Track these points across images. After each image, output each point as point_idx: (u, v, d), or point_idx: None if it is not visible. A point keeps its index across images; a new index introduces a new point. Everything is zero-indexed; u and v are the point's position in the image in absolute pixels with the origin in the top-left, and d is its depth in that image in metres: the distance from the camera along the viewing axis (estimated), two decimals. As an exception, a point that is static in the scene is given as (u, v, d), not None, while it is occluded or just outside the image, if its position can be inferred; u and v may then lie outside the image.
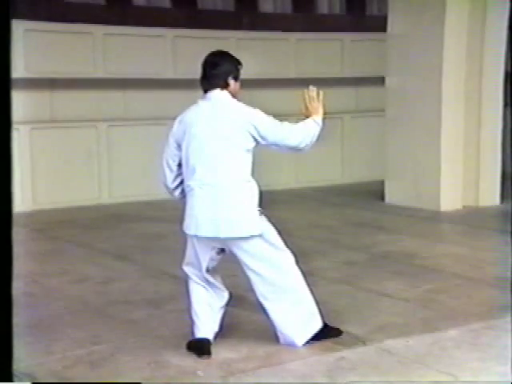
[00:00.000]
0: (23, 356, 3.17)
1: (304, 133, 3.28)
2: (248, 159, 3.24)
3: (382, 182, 7.63)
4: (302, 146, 3.30)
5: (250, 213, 3.21)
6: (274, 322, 3.36)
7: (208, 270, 3.35)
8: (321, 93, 3.37)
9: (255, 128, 3.20)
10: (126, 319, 3.90)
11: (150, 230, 6.15)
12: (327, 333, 3.43)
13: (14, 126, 7.94)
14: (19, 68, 6.99)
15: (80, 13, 7.46)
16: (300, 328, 3.35)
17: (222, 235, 3.19)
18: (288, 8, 8.81)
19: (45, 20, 7.20)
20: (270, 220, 3.33)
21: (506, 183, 7.37)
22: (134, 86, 7.69)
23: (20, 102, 6.54)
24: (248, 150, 3.23)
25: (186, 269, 3.40)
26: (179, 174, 3.36)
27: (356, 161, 9.04)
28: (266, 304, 3.33)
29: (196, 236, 3.26)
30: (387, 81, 7.51)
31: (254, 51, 8.10)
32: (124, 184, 7.76)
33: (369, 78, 8.57)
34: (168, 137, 3.39)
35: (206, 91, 3.30)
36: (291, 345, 3.34)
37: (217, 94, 3.26)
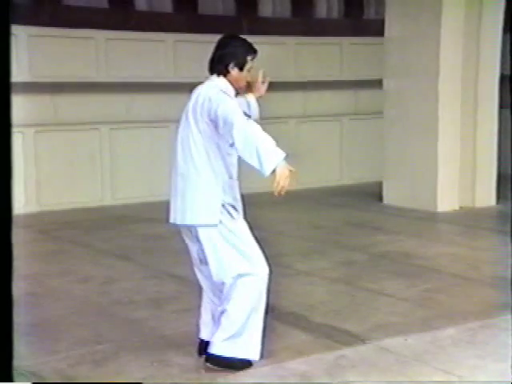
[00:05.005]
0: (28, 355, 3.24)
1: (252, 141, 2.83)
2: (215, 150, 3.00)
3: (381, 183, 7.66)
4: (237, 145, 2.86)
5: (204, 202, 3.02)
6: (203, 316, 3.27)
7: (202, 262, 3.20)
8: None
9: (208, 107, 2.94)
10: (128, 319, 3.93)
11: (152, 231, 6.17)
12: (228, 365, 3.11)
13: (19, 129, 7.99)
14: (23, 72, 7.04)
15: (82, 18, 7.49)
16: (220, 339, 3.10)
17: (179, 222, 3.09)
18: (287, 12, 8.85)
19: (48, 26, 7.24)
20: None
21: (502, 184, 7.40)
22: (136, 89, 7.73)
23: (24, 106, 6.57)
24: (212, 138, 2.99)
25: (195, 270, 3.30)
26: None
27: (355, 162, 9.08)
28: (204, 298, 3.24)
29: (176, 225, 3.18)
30: (385, 83, 7.54)
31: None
32: (126, 186, 7.81)
33: (367, 80, 8.62)
34: None
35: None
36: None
37: (210, 81, 3.07)
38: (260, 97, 3.37)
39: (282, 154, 2.84)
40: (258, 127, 2.90)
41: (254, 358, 3.15)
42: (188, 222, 3.09)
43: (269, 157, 2.82)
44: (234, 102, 3.01)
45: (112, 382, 3.06)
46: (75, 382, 3.07)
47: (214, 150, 3.03)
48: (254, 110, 3.32)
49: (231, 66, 3.06)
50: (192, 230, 3.13)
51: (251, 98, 3.31)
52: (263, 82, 3.33)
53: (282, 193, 2.86)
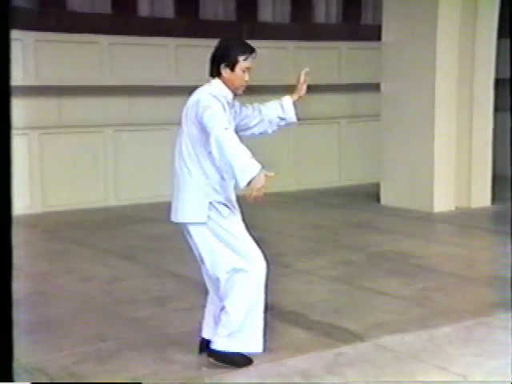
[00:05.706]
0: (33, 352, 3.29)
1: (226, 153, 2.85)
2: (203, 152, 3.03)
3: (378, 184, 7.72)
4: (215, 154, 2.91)
5: (192, 201, 3.07)
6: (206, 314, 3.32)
7: (201, 260, 3.21)
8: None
9: (196, 110, 2.99)
10: (131, 317, 3.98)
11: (155, 231, 6.21)
12: (236, 361, 3.16)
13: (24, 132, 8.06)
14: (29, 76, 7.11)
15: (87, 23, 7.56)
16: (221, 335, 3.14)
17: (173, 219, 3.19)
18: (286, 18, 8.92)
19: (54, 31, 7.32)
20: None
21: (497, 185, 7.45)
22: (139, 92, 7.81)
23: (29, 108, 6.63)
24: (200, 140, 3.03)
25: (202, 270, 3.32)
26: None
27: (353, 164, 9.15)
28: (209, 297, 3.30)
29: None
30: (382, 87, 7.60)
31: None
32: (129, 187, 7.87)
33: (365, 84, 8.68)
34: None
35: None
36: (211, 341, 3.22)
37: (207, 84, 3.11)
38: (300, 98, 3.37)
39: (256, 168, 2.85)
40: (234, 140, 2.90)
41: (257, 350, 3.17)
42: (179, 219, 3.17)
43: (242, 172, 2.86)
44: (220, 108, 2.99)
45: (112, 382, 3.09)
46: (75, 382, 3.09)
47: (203, 152, 3.05)
48: (290, 113, 3.33)
49: (222, 66, 3.07)
50: (186, 227, 3.19)
51: (287, 100, 3.33)
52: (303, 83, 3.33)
53: (258, 199, 2.90)
